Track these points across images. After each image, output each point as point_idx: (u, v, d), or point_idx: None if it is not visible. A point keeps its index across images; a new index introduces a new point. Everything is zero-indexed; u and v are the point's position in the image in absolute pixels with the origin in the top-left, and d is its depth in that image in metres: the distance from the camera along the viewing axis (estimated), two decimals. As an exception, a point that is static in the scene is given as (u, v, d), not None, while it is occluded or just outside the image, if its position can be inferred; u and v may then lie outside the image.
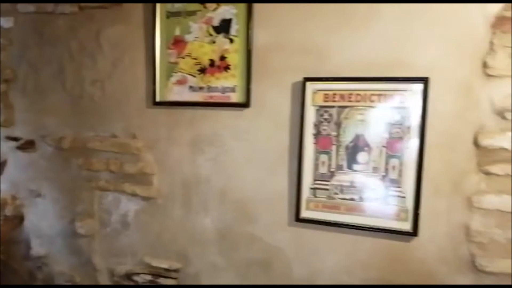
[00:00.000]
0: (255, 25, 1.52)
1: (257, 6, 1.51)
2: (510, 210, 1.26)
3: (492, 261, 1.29)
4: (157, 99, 1.69)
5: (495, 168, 1.27)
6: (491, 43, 1.25)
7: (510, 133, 1.24)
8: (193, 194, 1.70)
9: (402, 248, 1.40)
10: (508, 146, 1.24)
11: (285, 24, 1.50)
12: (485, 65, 1.26)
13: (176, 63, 1.66)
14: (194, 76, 1.63)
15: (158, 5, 1.64)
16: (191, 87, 1.65)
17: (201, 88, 1.63)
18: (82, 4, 1.80)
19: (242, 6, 1.53)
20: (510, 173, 1.25)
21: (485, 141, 1.27)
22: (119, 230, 1.86)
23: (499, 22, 1.24)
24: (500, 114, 1.25)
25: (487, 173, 1.28)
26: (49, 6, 1.87)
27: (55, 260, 2.02)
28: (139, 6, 1.71)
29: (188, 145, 1.69)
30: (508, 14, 1.22)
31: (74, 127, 1.90)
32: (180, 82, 1.66)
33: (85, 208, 1.91)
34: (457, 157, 1.31)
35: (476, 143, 1.29)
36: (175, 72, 1.66)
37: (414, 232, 1.36)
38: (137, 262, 1.84)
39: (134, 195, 1.80)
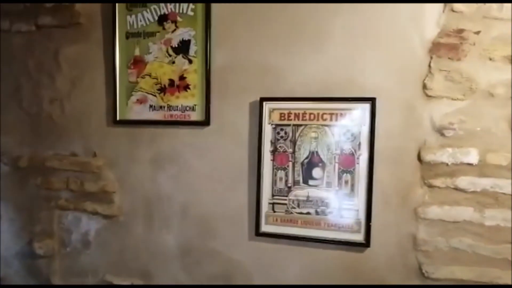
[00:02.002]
0: (213, 47, 1.58)
1: (215, 28, 1.57)
2: (451, 220, 1.36)
3: (437, 268, 1.38)
4: (118, 117, 1.71)
5: (437, 181, 1.37)
6: (429, 66, 1.36)
7: (448, 149, 1.35)
8: (155, 211, 1.72)
9: (356, 259, 1.47)
10: (447, 161, 1.35)
11: (243, 45, 1.56)
12: (425, 87, 1.37)
13: (136, 82, 1.68)
14: (154, 96, 1.67)
15: (117, 26, 1.67)
16: (151, 106, 1.67)
17: (161, 107, 1.66)
18: (39, 23, 1.80)
19: (200, 28, 1.58)
20: (450, 186, 1.35)
21: (427, 157, 1.37)
22: (80, 249, 1.84)
23: (435, 48, 1.35)
24: (439, 131, 1.36)
25: (430, 186, 1.38)
26: (5, 24, 1.85)
27: (12, 282, 1.96)
28: (98, 26, 1.73)
29: (149, 163, 1.71)
30: (442, 40, 1.34)
31: (32, 146, 1.87)
32: (141, 101, 1.68)
33: (44, 228, 1.88)
34: (404, 171, 1.41)
35: (419, 159, 1.39)
36: (135, 92, 1.69)
37: (366, 243, 1.44)
38: (99, 281, 1.82)
39: (95, 213, 1.80)
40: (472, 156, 1.33)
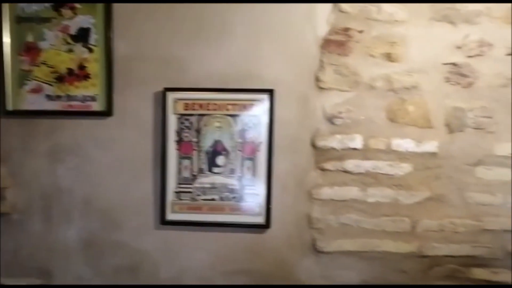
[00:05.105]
0: (115, 36, 1.55)
1: (116, 17, 1.55)
2: (340, 199, 1.53)
3: (328, 242, 1.54)
4: (9, 108, 1.60)
5: (328, 165, 1.52)
6: (321, 61, 1.50)
7: (338, 136, 1.51)
8: (54, 205, 1.64)
9: (258, 240, 1.57)
10: (336, 146, 1.51)
11: (146, 35, 1.56)
12: (317, 79, 1.51)
13: (29, 70, 1.59)
14: (51, 85, 1.59)
15: (6, 9, 1.56)
16: (48, 95, 1.59)
17: (59, 97, 1.59)
18: None
19: (101, 15, 1.54)
20: (339, 168, 1.51)
21: (320, 143, 1.52)
22: (-34, 252, 1.69)
23: (326, 44, 1.50)
24: (330, 120, 1.52)
25: (322, 169, 1.53)
26: None
27: None
28: (-17, 8, 1.59)
29: (46, 155, 1.63)
30: (332, 37, 1.49)
31: None
32: (35, 91, 1.59)
33: None
34: (299, 157, 1.54)
35: (313, 145, 1.53)
36: (29, 80, 1.59)
37: (267, 225, 1.55)
38: (-10, 284, 1.70)
39: (-17, 212, 1.66)
40: (357, 142, 1.51)
